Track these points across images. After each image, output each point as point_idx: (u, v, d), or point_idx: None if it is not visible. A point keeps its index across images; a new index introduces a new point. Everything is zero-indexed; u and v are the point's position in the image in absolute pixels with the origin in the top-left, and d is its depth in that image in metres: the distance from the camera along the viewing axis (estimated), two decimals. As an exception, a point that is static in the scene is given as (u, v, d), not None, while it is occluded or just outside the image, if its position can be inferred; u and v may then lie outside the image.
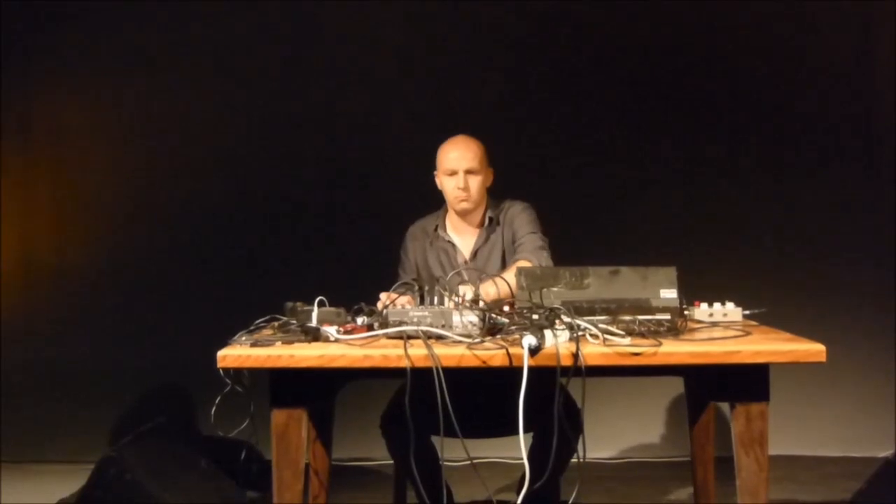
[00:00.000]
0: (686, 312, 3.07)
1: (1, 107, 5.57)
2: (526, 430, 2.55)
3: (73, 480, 4.44)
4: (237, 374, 2.77)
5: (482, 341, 2.67)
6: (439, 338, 2.72)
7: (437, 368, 2.56)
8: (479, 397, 3.15)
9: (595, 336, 2.68)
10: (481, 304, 2.94)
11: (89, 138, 5.67)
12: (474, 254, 3.80)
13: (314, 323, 2.84)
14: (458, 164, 3.73)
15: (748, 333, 2.88)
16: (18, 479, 5.15)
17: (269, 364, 2.67)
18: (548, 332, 2.60)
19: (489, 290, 3.28)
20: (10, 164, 5.65)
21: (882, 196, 5.43)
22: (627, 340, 2.67)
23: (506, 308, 2.99)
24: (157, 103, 5.62)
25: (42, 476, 5.21)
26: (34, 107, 5.67)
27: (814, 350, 2.66)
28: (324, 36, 5.59)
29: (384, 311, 2.89)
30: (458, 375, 2.60)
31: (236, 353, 2.67)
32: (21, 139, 5.66)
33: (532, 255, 3.67)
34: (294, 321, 2.92)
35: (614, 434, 5.45)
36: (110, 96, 5.65)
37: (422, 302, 3.05)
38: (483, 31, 5.58)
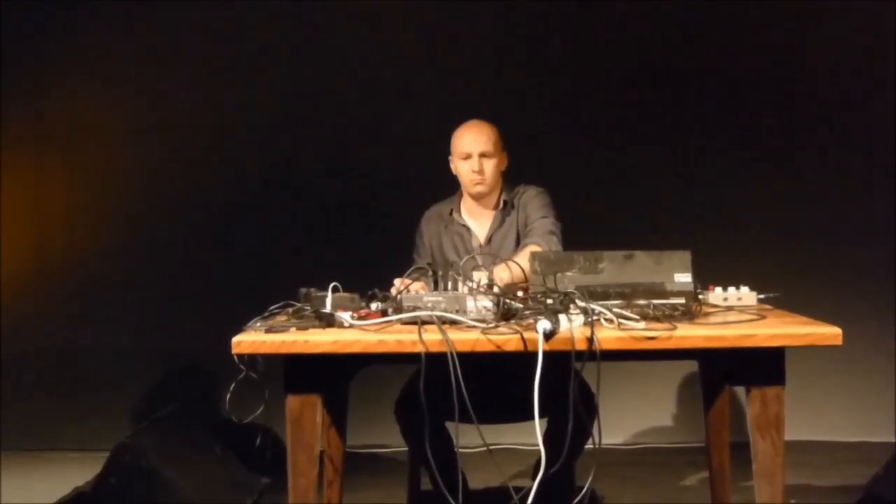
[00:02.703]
0: (700, 297, 3.06)
1: (16, 105, 5.60)
2: (541, 416, 2.54)
3: (88, 468, 4.45)
4: (252, 360, 2.77)
5: (496, 326, 2.66)
6: (453, 323, 2.71)
7: (451, 353, 2.56)
8: (494, 383, 3.15)
9: (610, 320, 2.67)
10: (495, 289, 2.94)
11: (102, 131, 5.68)
12: (489, 238, 3.80)
13: (328, 309, 2.83)
14: (473, 147, 3.73)
15: (763, 317, 2.87)
16: (33, 468, 5.18)
17: (283, 350, 2.67)
18: (562, 317, 2.59)
19: (502, 274, 3.28)
20: (24, 160, 5.67)
21: (896, 180, 5.41)
22: (642, 325, 2.66)
23: (520, 293, 2.99)
24: (170, 97, 5.62)
25: (56, 464, 5.22)
26: (47, 105, 5.68)
27: (830, 333, 2.65)
28: (333, 25, 5.58)
29: (398, 297, 2.88)
30: (472, 361, 2.60)
31: (251, 339, 2.67)
32: (34, 136, 5.68)
33: (541, 239, 3.67)
34: (308, 307, 2.92)
35: (628, 420, 5.45)
36: (123, 92, 5.66)
37: (436, 287, 3.05)
38: (496, 18, 5.57)
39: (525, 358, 2.56)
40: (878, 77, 5.45)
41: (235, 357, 2.70)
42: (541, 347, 2.52)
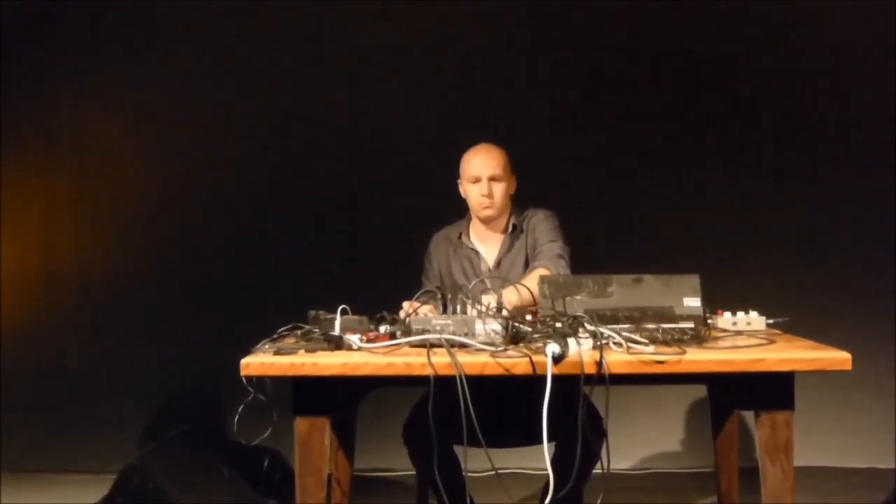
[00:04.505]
0: (709, 321, 3.05)
1: (22, 113, 5.63)
2: (549, 440, 2.54)
3: (95, 490, 4.45)
4: (260, 382, 2.78)
5: (505, 349, 2.67)
6: (462, 346, 2.71)
7: (460, 376, 2.56)
8: (502, 406, 3.14)
9: (619, 344, 2.67)
10: (504, 312, 2.94)
11: (111, 146, 5.69)
12: (498, 262, 3.80)
13: (337, 331, 2.83)
14: (482, 171, 3.73)
15: (772, 342, 2.87)
16: (39, 489, 5.17)
17: (292, 372, 2.67)
18: (571, 341, 2.59)
19: (510, 297, 3.28)
20: (33, 172, 5.69)
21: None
22: (651, 348, 2.66)
23: (528, 316, 2.99)
24: (179, 110, 5.64)
25: (63, 486, 5.22)
26: (57, 116, 5.69)
27: (839, 358, 2.65)
28: (345, 43, 5.60)
29: (407, 320, 2.88)
30: (480, 384, 2.59)
31: (259, 361, 2.67)
32: (44, 148, 5.70)
33: (550, 262, 3.66)
34: (317, 329, 2.92)
35: (637, 444, 5.43)
36: (132, 104, 5.66)
37: (444, 310, 3.05)
38: (507, 36, 5.58)
39: (534, 381, 2.56)
40: (889, 97, 5.45)
41: (244, 379, 2.70)
42: (549, 371, 2.52)
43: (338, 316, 2.88)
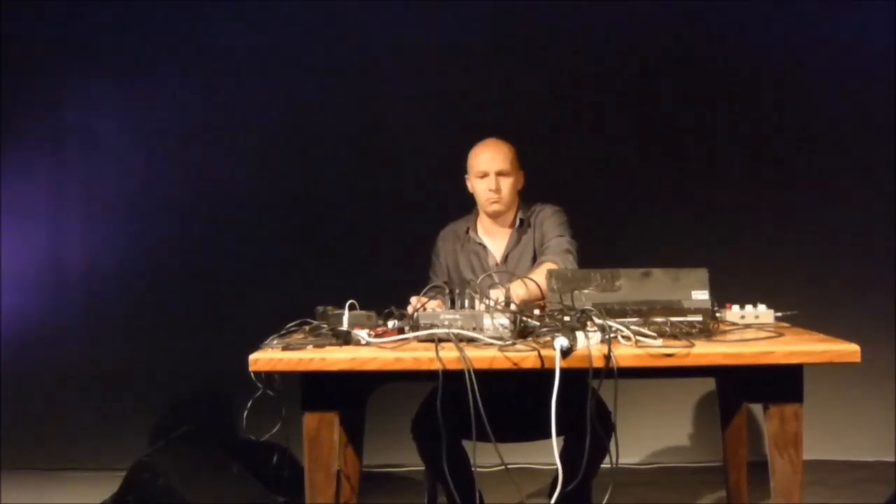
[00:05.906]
0: (718, 314, 3.05)
1: (33, 115, 5.64)
2: (557, 434, 2.53)
3: (104, 487, 4.47)
4: (269, 377, 2.78)
5: (514, 343, 2.66)
6: (470, 340, 2.70)
7: (468, 371, 2.55)
8: (510, 400, 3.14)
9: (627, 338, 2.67)
10: (512, 306, 2.94)
11: (120, 144, 5.69)
12: (505, 257, 3.80)
13: (345, 326, 2.83)
14: (489, 166, 3.73)
15: (781, 335, 2.86)
16: (52, 486, 5.19)
17: (300, 367, 2.67)
18: (579, 334, 2.57)
19: (518, 291, 3.28)
20: (41, 169, 5.69)
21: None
22: (659, 342, 2.65)
23: (536, 310, 2.98)
24: (188, 107, 5.64)
25: (75, 483, 5.23)
26: (64, 114, 5.70)
27: (848, 350, 2.64)
28: (350, 42, 5.60)
29: (415, 315, 2.89)
30: (489, 378, 2.59)
31: (268, 357, 2.67)
32: (51, 146, 5.71)
33: (557, 257, 3.66)
34: (325, 325, 2.92)
35: (645, 439, 5.43)
36: (141, 101, 5.67)
37: (452, 305, 3.05)
38: (515, 33, 5.58)
39: (542, 375, 2.55)
40: (891, 97, 5.44)
41: (252, 375, 2.70)
42: (558, 365, 2.52)
43: (346, 311, 2.88)
